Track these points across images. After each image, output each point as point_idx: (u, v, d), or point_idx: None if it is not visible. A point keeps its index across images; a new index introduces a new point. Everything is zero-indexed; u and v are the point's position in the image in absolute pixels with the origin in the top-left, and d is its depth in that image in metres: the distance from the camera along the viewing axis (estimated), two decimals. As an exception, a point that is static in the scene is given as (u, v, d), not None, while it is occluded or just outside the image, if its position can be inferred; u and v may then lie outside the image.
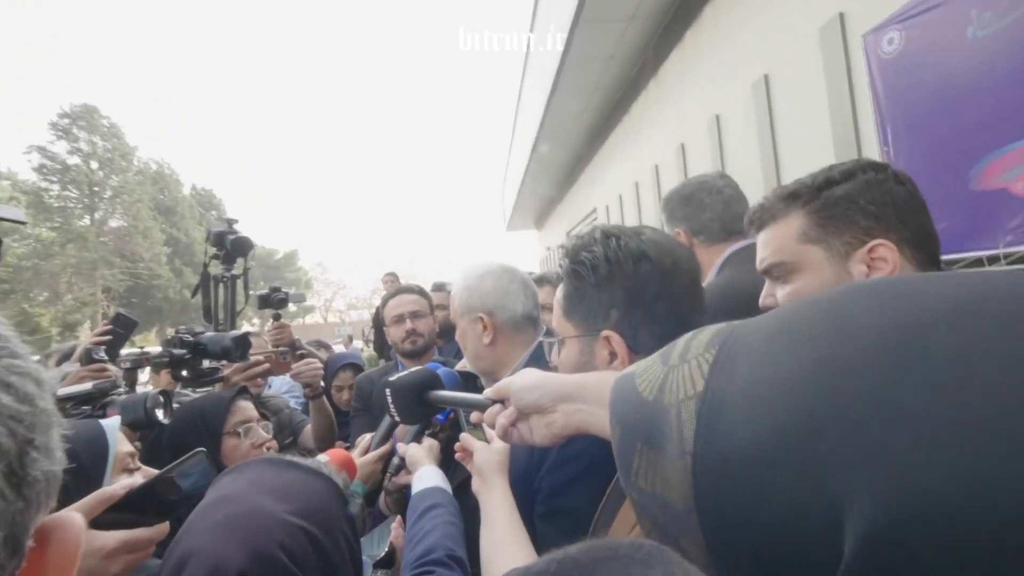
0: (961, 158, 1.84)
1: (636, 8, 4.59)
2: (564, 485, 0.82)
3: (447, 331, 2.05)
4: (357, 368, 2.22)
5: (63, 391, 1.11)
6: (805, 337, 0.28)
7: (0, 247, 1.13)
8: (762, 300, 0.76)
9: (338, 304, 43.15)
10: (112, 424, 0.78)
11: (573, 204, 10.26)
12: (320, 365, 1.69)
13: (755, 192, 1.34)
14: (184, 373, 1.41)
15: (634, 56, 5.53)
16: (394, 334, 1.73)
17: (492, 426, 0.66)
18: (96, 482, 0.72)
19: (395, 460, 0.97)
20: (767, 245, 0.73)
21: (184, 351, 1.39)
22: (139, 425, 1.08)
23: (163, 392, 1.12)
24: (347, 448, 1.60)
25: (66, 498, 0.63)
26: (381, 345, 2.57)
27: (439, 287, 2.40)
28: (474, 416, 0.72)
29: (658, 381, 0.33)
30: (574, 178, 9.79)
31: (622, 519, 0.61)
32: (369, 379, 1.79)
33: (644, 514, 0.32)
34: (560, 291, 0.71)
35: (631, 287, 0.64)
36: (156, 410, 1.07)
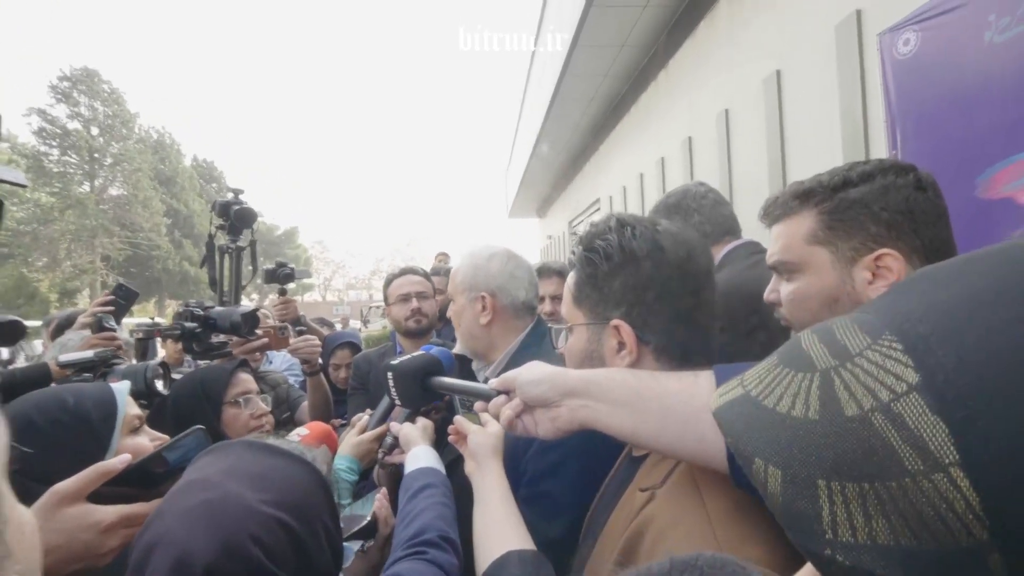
0: (970, 165, 1.83)
1: (650, -5, 4.52)
2: (547, 470, 0.84)
3: (444, 314, 2.07)
4: (355, 347, 2.24)
5: (64, 357, 1.13)
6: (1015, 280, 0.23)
7: (1, 209, 1.13)
8: (766, 295, 0.76)
9: (337, 283, 43.13)
10: (122, 388, 0.80)
11: (576, 194, 10.20)
12: (318, 342, 1.70)
13: (760, 188, 1.33)
14: (194, 346, 1.43)
15: (644, 46, 5.45)
16: (398, 312, 1.74)
17: (497, 417, 0.67)
18: (106, 441, 0.73)
19: (388, 439, 0.98)
20: (777, 241, 0.73)
21: (195, 325, 1.40)
22: (139, 395, 1.09)
23: (162, 363, 1.13)
24: (342, 426, 1.62)
25: (78, 456, 0.65)
26: None
27: (438, 271, 2.41)
28: (478, 406, 0.73)
29: (808, 392, 0.25)
30: (578, 168, 9.72)
31: (622, 508, 0.61)
32: (367, 359, 1.80)
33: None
34: (571, 278, 0.71)
35: (643, 277, 0.64)
36: (156, 381, 1.09)
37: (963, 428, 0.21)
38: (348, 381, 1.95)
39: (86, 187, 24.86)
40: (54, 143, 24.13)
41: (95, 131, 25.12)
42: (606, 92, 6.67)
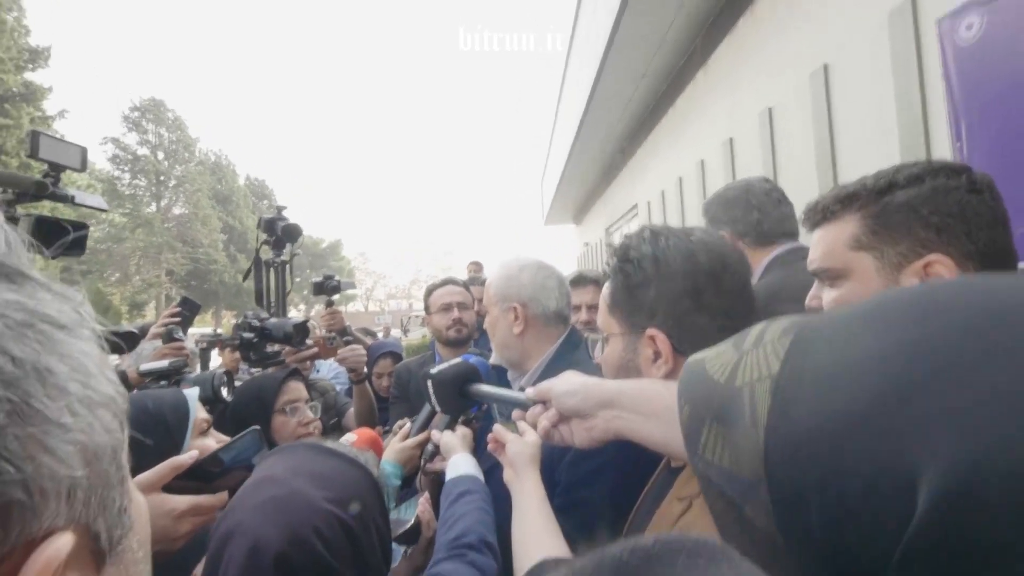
0: (1044, 156, 1.68)
1: (686, -4, 4.44)
2: (582, 479, 0.85)
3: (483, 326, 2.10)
4: (397, 357, 2.30)
5: (144, 367, 1.26)
6: (890, 320, 0.30)
7: (86, 233, 1.26)
8: (808, 300, 0.74)
9: (378, 293, 44.46)
10: (192, 394, 0.87)
11: (613, 199, 10.08)
12: (364, 352, 1.77)
13: (808, 190, 1.28)
14: (251, 355, 1.53)
15: (682, 45, 5.35)
16: (439, 321, 1.78)
17: (534, 426, 0.68)
18: (179, 442, 0.80)
19: (430, 447, 1.00)
20: (818, 246, 0.70)
21: (252, 335, 1.50)
22: (206, 400, 1.18)
23: (227, 372, 1.22)
24: (384, 432, 1.67)
25: (153, 455, 0.72)
26: None
27: (476, 282, 2.44)
28: (515, 414, 0.74)
29: (729, 365, 0.36)
30: (615, 172, 9.61)
31: (661, 517, 0.61)
32: (407, 368, 1.85)
33: (709, 485, 0.35)
34: (607, 288, 0.71)
35: (678, 287, 0.64)
36: (222, 388, 1.17)
37: (779, 408, 0.31)
38: (390, 389, 2.01)
39: (153, 207, 26.99)
40: (126, 168, 26.42)
41: (161, 155, 27.29)
42: (642, 95, 6.59)
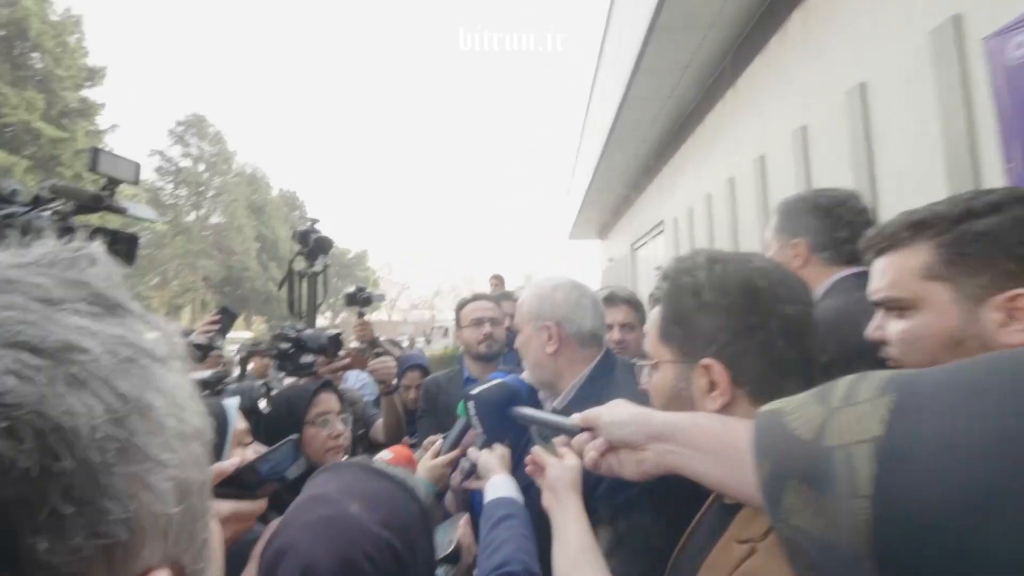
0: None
1: (717, 15, 4.43)
2: (620, 510, 0.81)
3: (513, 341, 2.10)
4: (423, 370, 2.32)
5: None
6: (1006, 392, 0.28)
7: (137, 243, 1.32)
8: (870, 331, 0.70)
9: (402, 304, 45.01)
10: (232, 403, 0.89)
11: (640, 215, 10.00)
12: (394, 364, 1.79)
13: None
14: (287, 365, 1.57)
15: (712, 64, 5.32)
16: (470, 336, 1.79)
17: (579, 454, 0.66)
18: (219, 452, 0.82)
19: (466, 464, 1.00)
20: (884, 275, 0.67)
21: (288, 346, 1.54)
22: (246, 412, 1.21)
23: (266, 384, 1.25)
24: (411, 445, 1.68)
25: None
26: None
27: (507, 296, 2.45)
28: (559, 440, 0.73)
29: (815, 421, 0.34)
30: (642, 188, 9.55)
31: (718, 559, 0.58)
32: (436, 383, 1.86)
33: (797, 553, 0.33)
34: (658, 313, 0.68)
35: (737, 316, 0.61)
36: (260, 400, 1.20)
37: (888, 477, 0.29)
38: (417, 402, 2.02)
39: (192, 216, 28.20)
40: (169, 179, 27.78)
41: (201, 167, 28.60)
42: (671, 112, 6.57)
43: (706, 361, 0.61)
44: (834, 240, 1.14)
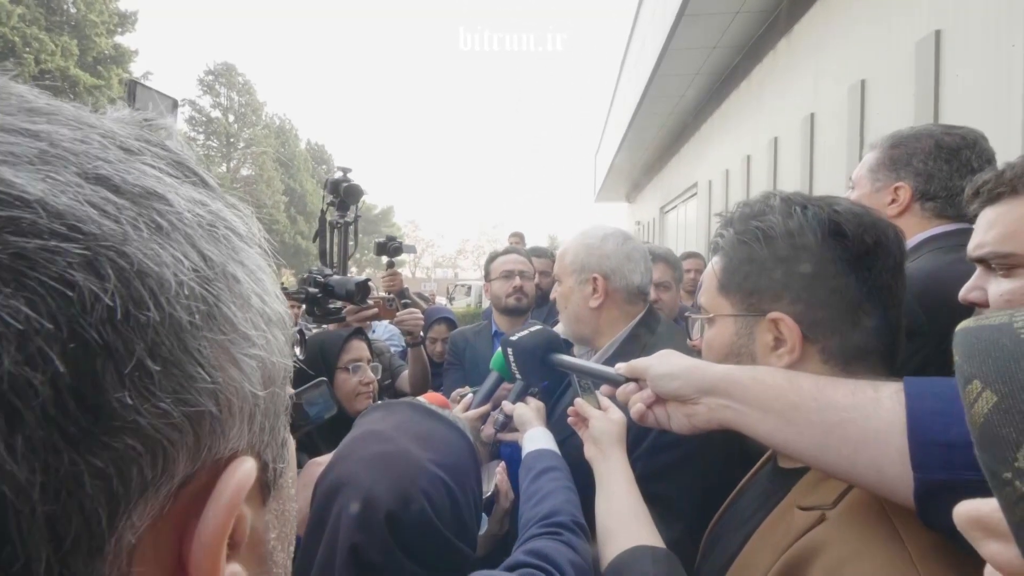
0: None
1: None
2: (659, 471, 0.80)
3: (543, 297, 2.07)
4: (451, 323, 2.33)
5: None
6: None
7: None
8: (965, 293, 0.63)
9: (426, 261, 45.54)
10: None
11: (670, 177, 9.62)
12: (421, 315, 1.79)
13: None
14: (315, 310, 1.58)
15: (763, 11, 4.89)
16: (499, 288, 1.78)
17: (626, 404, 0.63)
18: None
19: (500, 416, 0.99)
20: (994, 226, 0.59)
21: (316, 290, 1.54)
22: (279, 356, 1.24)
23: (300, 331, 1.26)
24: (438, 396, 1.71)
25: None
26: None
27: (540, 253, 2.40)
28: (604, 389, 0.71)
29: None
30: (675, 150, 9.13)
31: (776, 526, 0.55)
32: (463, 336, 1.87)
33: None
34: (717, 263, 0.63)
35: (817, 266, 0.54)
36: (295, 347, 1.22)
37: None
38: (443, 355, 2.04)
39: (223, 168, 28.63)
40: (200, 130, 28.07)
41: (231, 118, 28.73)
42: (713, 66, 6.14)
43: (775, 314, 0.56)
44: (948, 189, 0.95)
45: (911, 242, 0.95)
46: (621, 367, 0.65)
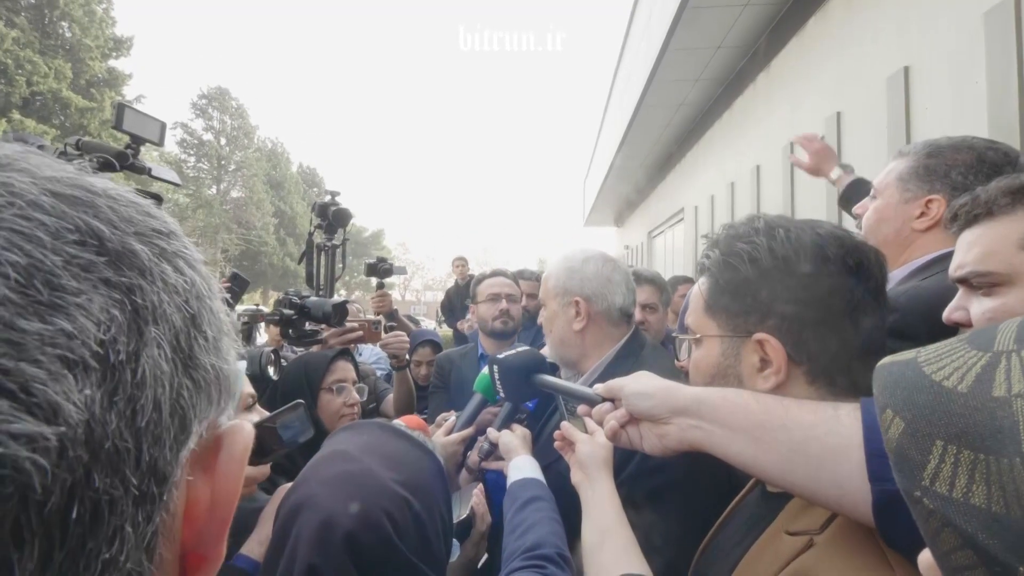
0: None
1: (753, -7, 4.24)
2: (645, 496, 0.79)
3: (531, 320, 2.08)
4: (436, 346, 2.32)
5: None
6: None
7: (161, 203, 1.32)
8: (949, 313, 0.64)
9: (415, 284, 45.39)
10: (240, 367, 0.88)
11: (658, 202, 9.82)
12: (407, 338, 1.78)
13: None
14: (290, 332, 1.55)
15: (743, 46, 5.12)
16: (485, 311, 1.77)
17: (600, 423, 0.63)
18: None
19: (485, 444, 0.97)
20: (973, 247, 0.60)
21: (292, 312, 1.52)
22: (253, 377, 1.21)
23: (275, 351, 1.25)
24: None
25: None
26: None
27: (527, 275, 2.42)
28: (581, 409, 0.70)
29: (974, 369, 0.27)
30: (662, 176, 9.35)
31: (763, 552, 0.54)
32: (449, 358, 1.86)
33: (948, 528, 0.26)
34: (704, 284, 0.63)
35: (802, 288, 0.55)
36: (268, 367, 1.20)
37: None
38: (428, 378, 2.02)
39: (213, 190, 28.58)
40: (191, 152, 28.12)
41: (223, 141, 28.86)
42: (697, 97, 6.37)
43: (760, 335, 0.56)
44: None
45: (927, 258, 0.90)
46: (599, 387, 0.66)
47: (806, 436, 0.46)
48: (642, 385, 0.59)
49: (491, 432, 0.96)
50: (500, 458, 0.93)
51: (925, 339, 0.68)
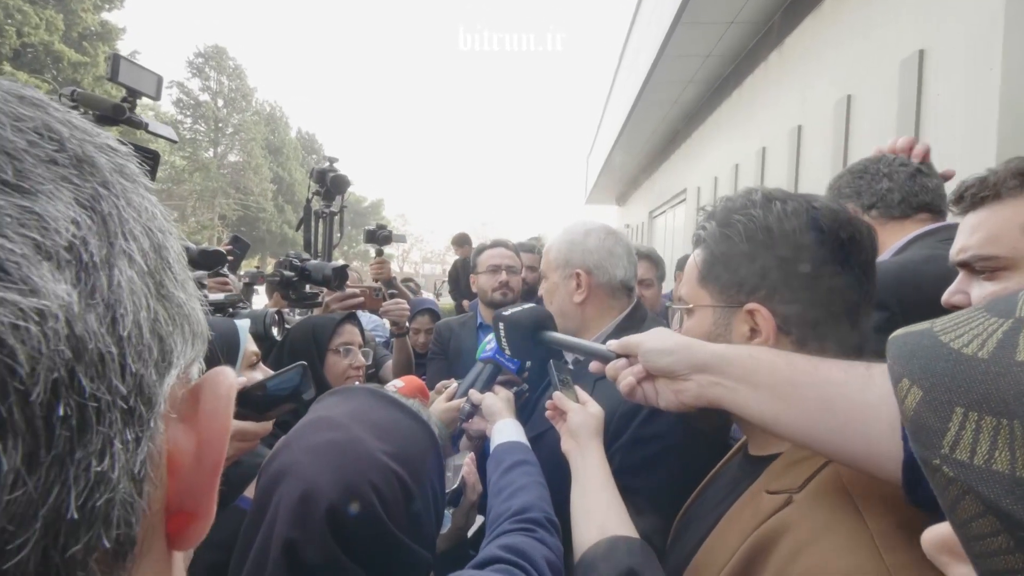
0: None
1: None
2: (639, 465, 0.80)
3: (530, 293, 2.09)
4: (434, 314, 2.33)
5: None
6: None
7: (157, 161, 1.30)
8: (948, 297, 0.64)
9: (414, 256, 45.24)
10: (244, 325, 0.88)
11: (661, 182, 9.71)
12: (407, 305, 1.79)
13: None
14: (290, 294, 1.56)
15: (758, 22, 4.98)
16: (485, 282, 1.78)
17: (614, 380, 0.63)
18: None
19: (466, 406, 0.96)
20: (977, 230, 0.60)
21: (292, 274, 1.52)
22: (257, 337, 1.22)
23: (279, 312, 1.26)
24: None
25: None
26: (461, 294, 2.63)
27: (527, 248, 2.42)
28: (594, 366, 0.70)
29: (993, 335, 0.26)
30: (666, 155, 9.22)
31: (743, 510, 0.55)
32: (448, 326, 1.87)
33: (969, 495, 0.25)
34: (698, 255, 0.64)
35: (793, 259, 0.55)
36: (272, 327, 1.21)
37: None
38: (427, 346, 2.04)
39: (211, 153, 28.04)
40: (188, 113, 27.43)
41: (220, 103, 28.13)
42: (706, 74, 6.23)
43: (751, 305, 0.57)
44: (877, 194, 1.08)
45: (894, 247, 1.02)
46: (612, 343, 0.65)
47: (836, 393, 0.46)
48: (661, 341, 0.58)
49: (473, 394, 0.95)
50: (486, 420, 0.93)
51: (896, 307, 0.70)
